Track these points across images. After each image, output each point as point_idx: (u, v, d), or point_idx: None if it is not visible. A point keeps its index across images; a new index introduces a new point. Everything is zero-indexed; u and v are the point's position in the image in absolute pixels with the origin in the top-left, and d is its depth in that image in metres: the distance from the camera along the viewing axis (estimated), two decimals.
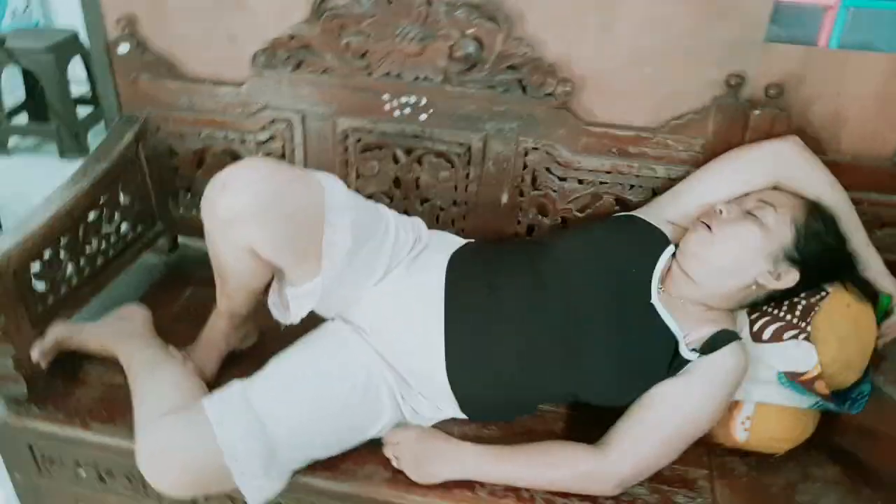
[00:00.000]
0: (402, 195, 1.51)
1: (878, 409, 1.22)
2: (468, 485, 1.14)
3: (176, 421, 1.08)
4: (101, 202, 1.44)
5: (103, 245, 1.46)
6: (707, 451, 1.25)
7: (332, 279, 1.13)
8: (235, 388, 1.11)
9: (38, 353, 1.24)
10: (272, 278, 1.24)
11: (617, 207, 1.43)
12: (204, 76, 1.49)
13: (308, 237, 1.10)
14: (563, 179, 1.42)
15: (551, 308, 1.18)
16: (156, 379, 1.19)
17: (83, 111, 3.56)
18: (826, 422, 1.26)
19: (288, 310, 1.21)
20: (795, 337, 1.17)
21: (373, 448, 1.18)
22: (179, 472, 1.04)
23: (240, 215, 1.04)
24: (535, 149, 1.41)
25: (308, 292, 1.15)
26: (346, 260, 1.13)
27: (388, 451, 1.16)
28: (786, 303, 1.21)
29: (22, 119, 3.68)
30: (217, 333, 1.31)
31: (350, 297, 1.23)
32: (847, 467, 1.23)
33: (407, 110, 1.42)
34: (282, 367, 1.16)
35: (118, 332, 1.32)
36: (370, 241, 1.19)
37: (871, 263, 1.24)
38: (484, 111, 1.39)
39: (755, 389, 1.21)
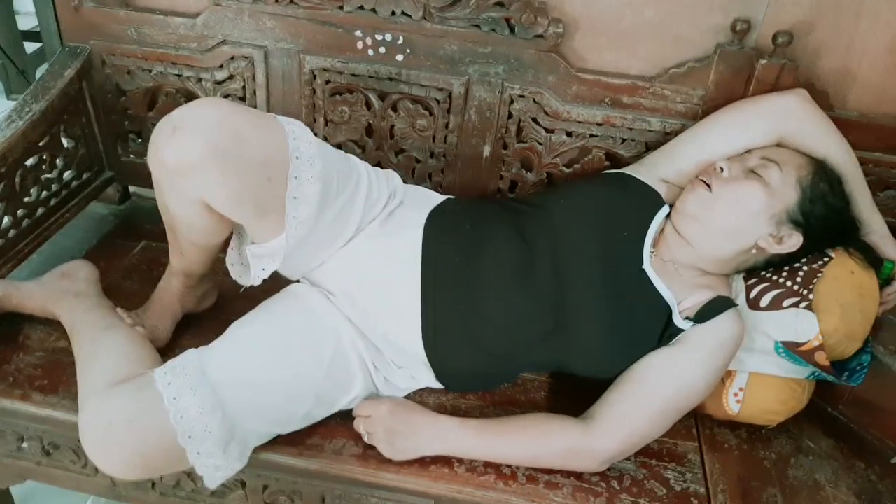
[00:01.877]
0: (374, 145, 1.39)
1: (877, 381, 1.16)
2: (446, 461, 1.06)
3: (123, 394, 0.96)
4: (40, 145, 1.30)
5: (44, 194, 1.34)
6: (697, 422, 1.20)
7: (296, 238, 1.02)
8: (190, 357, 1.00)
9: None
10: (231, 233, 1.12)
11: (607, 163, 1.34)
12: (155, 5, 1.33)
13: (270, 190, 0.98)
14: (550, 131, 1.32)
15: (536, 274, 1.09)
16: (101, 345, 1.07)
17: (31, 47, 3.31)
18: (820, 391, 1.21)
19: (248, 270, 1.10)
20: (796, 305, 1.10)
21: (342, 421, 1.09)
22: (127, 452, 0.93)
23: (191, 163, 0.91)
24: (522, 96, 1.30)
25: (270, 252, 1.04)
26: (313, 216, 1.02)
27: (358, 426, 1.07)
28: (786, 268, 1.14)
29: None
30: (171, 294, 1.20)
31: (317, 257, 1.12)
32: (841, 440, 1.19)
33: (382, 49, 1.29)
34: (241, 333, 1.05)
35: (61, 291, 1.20)
36: (340, 195, 1.08)
37: (875, 227, 1.18)
38: (467, 52, 1.27)
39: (750, 359, 1.15)
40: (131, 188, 1.58)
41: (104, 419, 0.95)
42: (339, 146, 1.38)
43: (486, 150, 1.36)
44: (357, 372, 1.08)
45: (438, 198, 1.24)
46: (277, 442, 1.05)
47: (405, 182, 1.25)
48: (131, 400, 0.96)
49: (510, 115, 1.32)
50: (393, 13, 1.25)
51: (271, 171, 0.97)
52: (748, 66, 1.20)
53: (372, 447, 1.06)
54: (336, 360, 1.06)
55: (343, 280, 1.12)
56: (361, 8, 1.25)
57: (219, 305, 1.29)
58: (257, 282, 1.09)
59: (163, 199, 1.04)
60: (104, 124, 1.43)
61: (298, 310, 1.09)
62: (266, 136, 0.97)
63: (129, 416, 0.94)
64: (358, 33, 1.28)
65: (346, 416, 1.09)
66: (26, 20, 3.30)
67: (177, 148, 0.91)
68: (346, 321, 1.09)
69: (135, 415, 0.95)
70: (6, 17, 3.06)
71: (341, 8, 1.26)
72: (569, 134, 1.32)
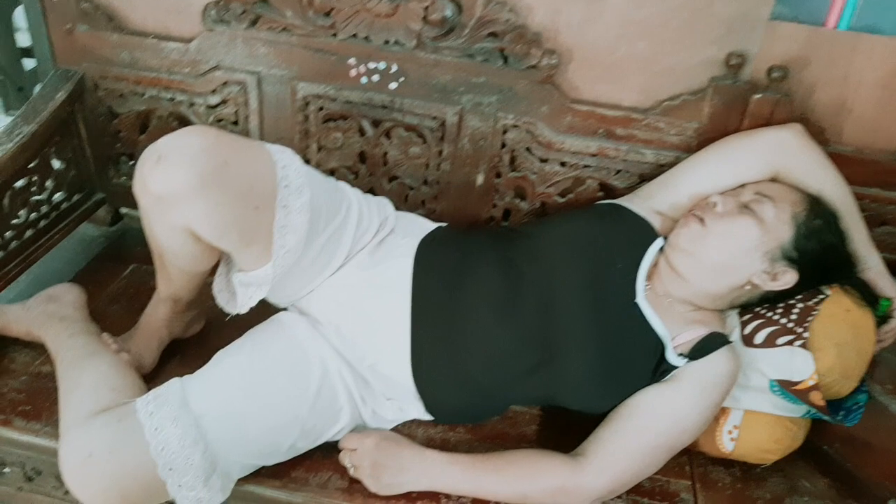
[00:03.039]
0: (367, 171, 1.38)
1: (872, 420, 1.14)
2: (433, 496, 1.04)
3: (104, 424, 0.95)
4: (30, 167, 1.29)
5: (33, 215, 1.32)
6: (690, 460, 1.17)
7: (283, 267, 1.01)
8: (173, 387, 0.99)
9: None
10: (220, 259, 1.11)
11: (601, 193, 1.33)
12: (148, 29, 1.33)
13: (257, 219, 0.96)
14: (543, 161, 1.31)
15: (528, 306, 1.08)
16: (85, 372, 1.05)
17: (31, 63, 3.31)
18: (815, 429, 1.18)
19: (235, 298, 1.08)
20: (790, 343, 1.08)
21: (328, 453, 1.07)
22: (106, 483, 0.91)
23: (177, 193, 0.90)
24: (515, 126, 1.29)
25: (257, 280, 1.03)
26: (301, 246, 1.01)
27: (344, 459, 1.05)
28: (780, 305, 1.12)
29: None
30: (157, 320, 1.18)
31: (306, 286, 1.11)
32: (836, 480, 1.16)
33: (375, 77, 1.28)
34: (226, 363, 1.04)
35: (46, 315, 1.18)
36: (329, 224, 1.06)
37: (871, 264, 1.16)
38: (460, 82, 1.26)
39: (744, 396, 1.13)
40: (123, 210, 1.57)
41: (84, 449, 0.93)
42: (331, 172, 1.38)
43: (480, 179, 1.35)
44: (344, 404, 1.06)
45: (430, 225, 1.23)
46: (261, 474, 1.03)
47: (398, 209, 1.24)
48: (112, 430, 0.94)
49: (503, 145, 1.31)
50: (386, 42, 1.25)
51: (259, 201, 0.96)
52: (742, 100, 1.20)
53: (358, 481, 1.04)
54: (323, 391, 1.04)
55: (331, 309, 1.10)
56: (355, 36, 1.25)
57: (206, 331, 1.27)
58: (244, 310, 1.07)
59: (149, 227, 1.03)
60: (96, 146, 1.42)
61: (285, 340, 1.07)
62: (254, 164, 0.96)
63: (110, 447, 0.93)
64: (351, 61, 1.27)
65: (331, 449, 1.07)
66: (26, 36, 3.29)
67: (162, 177, 0.90)
68: (333, 352, 1.08)
69: (115, 445, 0.93)
70: (5, 33, 3.06)
71: (335, 36, 1.25)
72: (562, 164, 1.31)
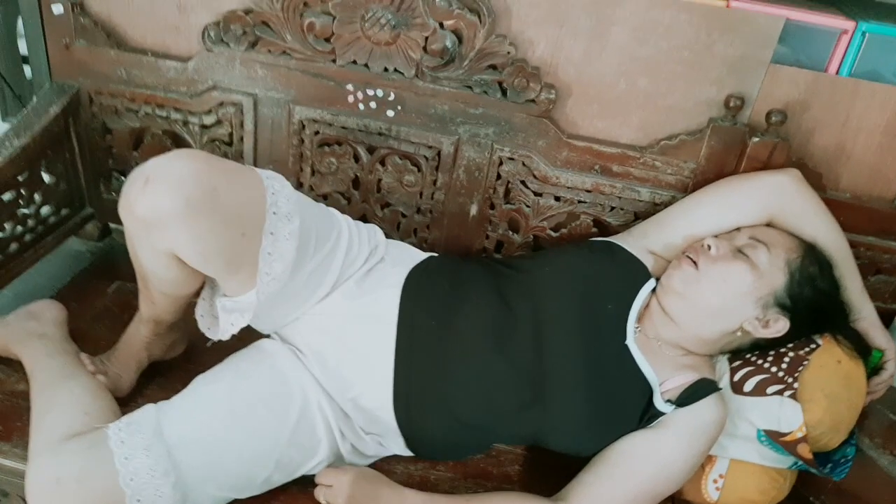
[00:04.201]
0: (360, 198, 1.36)
1: (861, 472, 1.12)
2: None
3: (74, 450, 0.92)
4: (19, 180, 1.27)
5: (18, 229, 1.30)
6: None
7: (268, 295, 0.99)
8: (147, 414, 0.96)
9: None
10: (204, 283, 1.09)
11: (594, 230, 1.31)
12: (147, 47, 1.32)
13: (243, 245, 0.94)
14: (538, 195, 1.30)
15: (514, 343, 1.06)
16: (59, 395, 1.03)
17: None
18: (803, 480, 1.16)
19: (218, 322, 1.06)
20: (780, 393, 1.06)
21: (303, 487, 1.04)
22: None
23: (162, 217, 0.88)
24: (511, 159, 1.28)
25: (240, 307, 1.01)
26: (287, 273, 0.99)
27: (319, 495, 1.02)
28: (771, 352, 1.11)
29: None
30: (138, 342, 1.16)
31: (291, 312, 1.09)
32: None
33: (372, 104, 1.27)
34: (204, 390, 1.01)
35: (25, 332, 1.16)
36: (318, 251, 1.05)
37: (865, 313, 1.15)
38: (458, 113, 1.25)
39: (731, 445, 1.11)
40: (112, 225, 1.55)
41: (52, 475, 0.91)
42: (324, 197, 1.36)
43: (474, 210, 1.33)
44: (322, 437, 1.03)
45: (420, 255, 1.21)
46: None
47: (389, 236, 1.23)
48: (82, 457, 0.91)
49: (499, 177, 1.30)
50: (385, 70, 1.24)
51: (246, 227, 0.94)
52: (740, 143, 1.19)
53: None
54: (301, 424, 1.02)
55: (315, 339, 1.08)
56: (354, 63, 1.24)
57: (187, 354, 1.25)
58: (226, 336, 1.05)
59: (133, 248, 1.00)
60: (88, 161, 1.41)
61: (266, 369, 1.05)
62: (243, 190, 0.95)
63: (78, 474, 0.90)
64: (349, 87, 1.26)
65: (307, 483, 1.04)
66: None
67: (148, 201, 0.88)
68: (314, 383, 1.05)
69: (84, 473, 0.90)
70: (8, 40, 3.06)
71: (334, 61, 1.25)
72: (557, 198, 1.30)
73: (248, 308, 1.00)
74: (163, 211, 0.87)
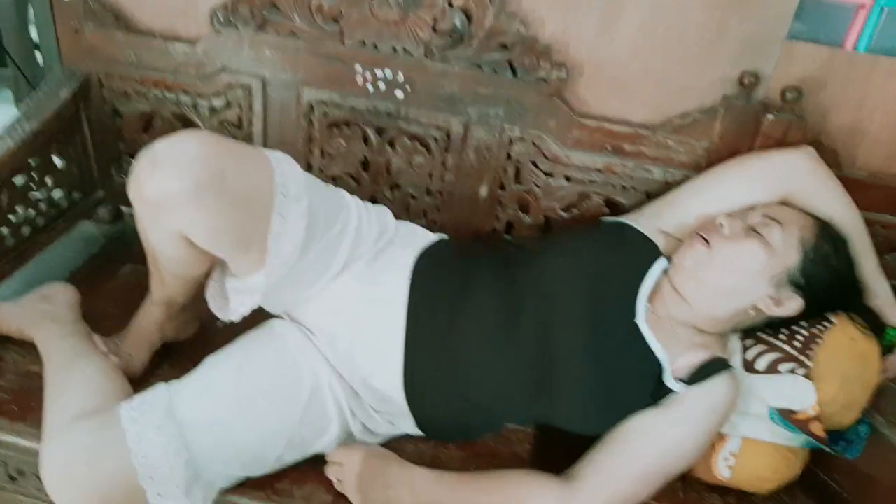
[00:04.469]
0: (370, 179, 1.36)
1: (875, 451, 1.11)
2: None
3: (87, 429, 0.93)
4: (31, 164, 1.28)
5: (31, 213, 1.31)
6: (683, 486, 1.15)
7: (278, 276, 0.99)
8: (159, 394, 0.97)
9: None
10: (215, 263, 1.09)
11: (606, 209, 1.30)
12: (155, 30, 1.32)
13: (252, 227, 0.95)
14: (549, 175, 1.29)
15: (525, 324, 1.05)
16: (72, 375, 1.04)
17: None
18: (816, 458, 1.15)
19: (228, 304, 1.06)
20: (793, 371, 1.05)
21: (314, 465, 1.05)
22: (85, 489, 0.90)
23: (171, 199, 0.88)
24: (522, 139, 1.27)
25: (250, 288, 1.01)
26: (296, 255, 0.99)
27: (330, 472, 1.02)
28: (784, 330, 1.10)
29: None
30: (150, 323, 1.16)
31: (301, 293, 1.09)
32: None
33: (381, 85, 1.27)
34: (215, 370, 1.02)
35: (39, 314, 1.17)
36: (327, 232, 1.05)
37: (879, 292, 1.14)
38: (467, 93, 1.24)
39: (743, 423, 1.10)
40: (124, 209, 1.56)
41: (65, 454, 0.92)
42: (334, 179, 1.36)
43: (483, 191, 1.33)
44: (333, 416, 1.04)
45: (430, 237, 1.21)
46: (245, 485, 1.01)
47: (399, 218, 1.22)
48: (94, 436, 0.92)
49: (509, 157, 1.29)
50: (394, 50, 1.23)
51: (255, 208, 0.94)
52: (755, 121, 1.17)
53: (343, 495, 1.01)
54: (312, 403, 1.02)
55: (325, 320, 1.08)
56: (363, 43, 1.24)
57: (199, 335, 1.25)
58: (236, 317, 1.05)
59: (143, 230, 1.01)
60: (99, 145, 1.41)
61: (276, 349, 1.05)
62: (252, 172, 0.95)
63: (91, 453, 0.91)
64: (358, 68, 1.26)
65: (318, 461, 1.05)
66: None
67: (157, 183, 0.88)
68: (325, 363, 1.06)
69: (97, 451, 0.91)
70: (20, 26, 3.07)
71: (342, 42, 1.24)
72: (568, 179, 1.29)
73: (258, 289, 1.00)
74: (171, 193, 0.88)
